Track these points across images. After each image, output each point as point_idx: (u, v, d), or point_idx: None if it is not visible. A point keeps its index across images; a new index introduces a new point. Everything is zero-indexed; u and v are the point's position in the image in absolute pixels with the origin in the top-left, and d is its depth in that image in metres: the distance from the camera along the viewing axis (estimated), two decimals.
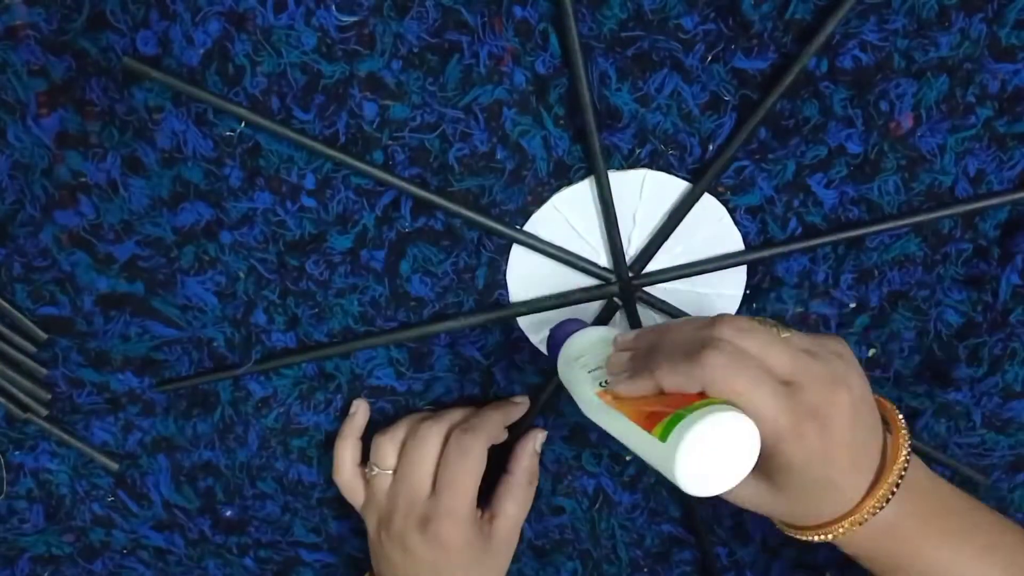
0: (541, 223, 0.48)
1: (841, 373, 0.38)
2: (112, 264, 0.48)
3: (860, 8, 0.43)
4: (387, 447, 0.49)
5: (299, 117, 0.45)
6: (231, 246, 0.48)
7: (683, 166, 0.47)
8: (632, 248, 0.49)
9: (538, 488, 0.55)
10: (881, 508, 0.39)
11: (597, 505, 0.56)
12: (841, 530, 0.40)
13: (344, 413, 0.52)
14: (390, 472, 0.49)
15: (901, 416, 0.42)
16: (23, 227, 0.47)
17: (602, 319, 0.50)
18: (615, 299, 0.50)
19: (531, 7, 0.43)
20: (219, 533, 0.56)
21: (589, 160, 0.46)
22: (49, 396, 0.51)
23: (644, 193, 0.48)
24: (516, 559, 0.58)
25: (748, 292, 0.50)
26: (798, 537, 0.42)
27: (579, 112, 0.45)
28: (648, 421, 0.35)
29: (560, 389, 0.52)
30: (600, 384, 0.40)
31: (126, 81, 0.44)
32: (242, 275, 0.49)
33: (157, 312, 0.49)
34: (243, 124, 0.45)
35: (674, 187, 0.48)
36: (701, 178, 0.47)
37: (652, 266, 0.49)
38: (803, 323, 0.51)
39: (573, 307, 0.50)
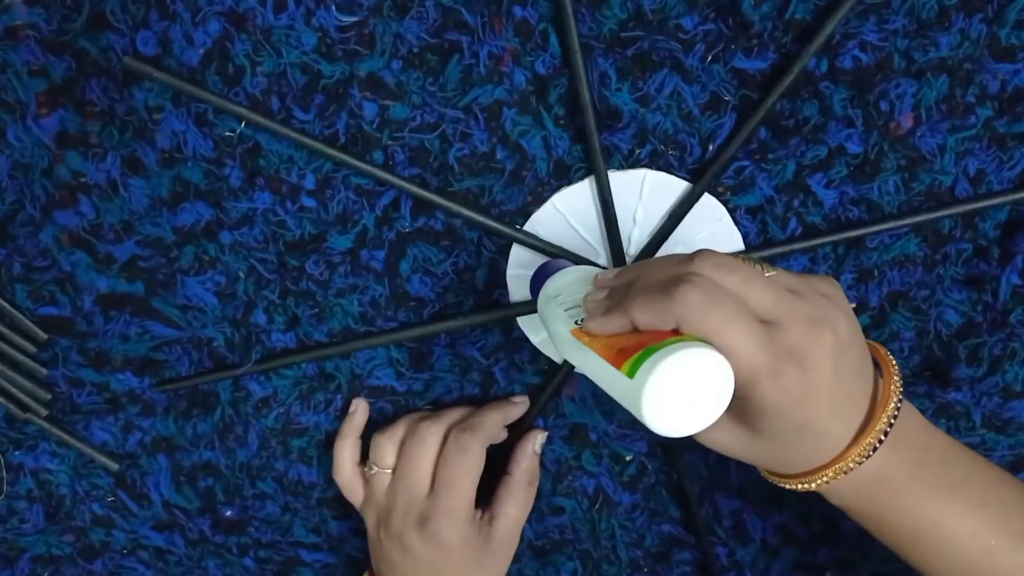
0: (541, 223, 0.48)
1: (826, 314, 0.35)
2: (112, 264, 0.48)
3: (860, 8, 0.43)
4: (386, 446, 0.49)
5: (299, 117, 0.45)
6: (231, 246, 0.48)
7: (683, 166, 0.47)
8: (632, 248, 0.49)
9: (538, 488, 0.55)
10: (867, 457, 0.37)
11: (597, 505, 0.56)
12: (824, 479, 0.38)
13: (344, 413, 0.52)
14: (389, 471, 0.49)
15: (895, 362, 0.40)
16: (23, 227, 0.47)
17: None
18: None
19: (531, 7, 0.43)
20: (219, 533, 0.56)
21: (589, 160, 0.46)
22: (49, 396, 0.51)
23: (644, 193, 0.48)
24: (516, 559, 0.58)
25: None
26: (782, 486, 0.40)
27: (579, 112, 0.45)
28: (618, 358, 0.34)
29: (560, 389, 0.52)
30: (576, 322, 0.38)
31: (126, 81, 0.44)
32: (242, 275, 0.49)
33: (157, 312, 0.49)
34: (243, 124, 0.45)
35: (674, 187, 0.48)
36: (701, 178, 0.47)
37: None
38: None
39: None
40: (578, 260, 0.49)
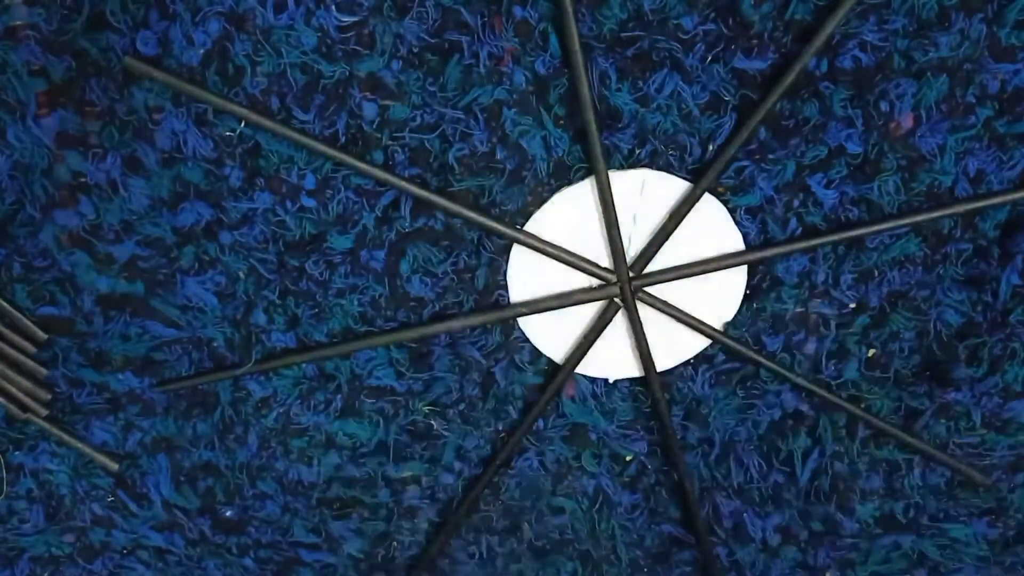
0: (541, 223, 0.48)
1: None
2: (112, 264, 0.48)
3: (860, 8, 0.43)
4: None
5: (299, 117, 0.45)
6: (231, 246, 0.48)
7: (683, 166, 0.47)
8: (632, 248, 0.49)
9: (538, 488, 0.55)
10: None
11: (597, 505, 0.56)
12: None
13: (344, 413, 0.52)
14: None
15: None
16: (23, 227, 0.47)
17: (603, 319, 0.50)
18: (615, 299, 0.50)
19: (531, 7, 0.43)
20: (219, 533, 0.56)
21: (589, 160, 0.46)
22: (49, 396, 0.51)
23: (644, 193, 0.48)
24: (516, 559, 0.58)
25: (748, 292, 0.50)
26: None
27: (579, 112, 0.44)
28: None
29: (560, 389, 0.52)
30: None
31: (126, 81, 0.44)
32: (242, 275, 0.49)
33: (157, 312, 0.49)
34: (243, 124, 0.45)
35: (674, 187, 0.48)
36: (701, 178, 0.47)
37: (652, 266, 0.49)
38: (803, 323, 0.51)
39: (573, 307, 0.50)
40: (578, 260, 0.49)
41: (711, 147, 0.46)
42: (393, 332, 0.50)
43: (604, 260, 0.49)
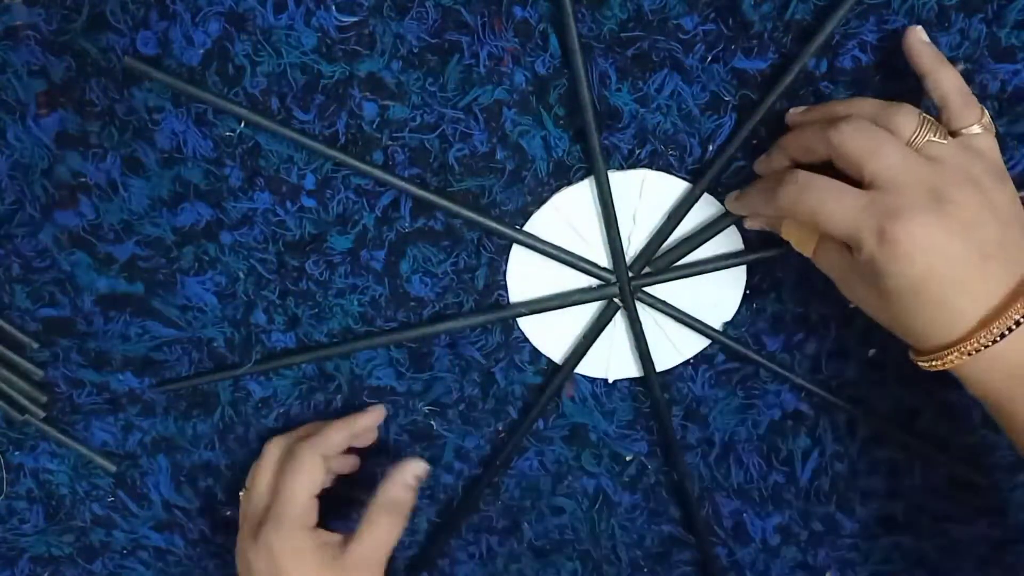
0: (541, 223, 0.48)
1: (979, 178, 0.38)
2: (112, 264, 0.48)
3: (860, 8, 0.43)
4: (252, 468, 0.49)
5: (299, 117, 0.45)
6: (231, 246, 0.48)
7: (683, 166, 0.47)
8: (632, 248, 0.49)
9: (538, 488, 0.55)
10: (994, 342, 0.37)
11: (597, 505, 0.56)
12: (952, 357, 0.38)
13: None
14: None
15: None
16: (23, 227, 0.47)
17: (602, 319, 0.50)
18: (615, 299, 0.50)
19: (531, 7, 0.43)
20: (219, 533, 0.56)
21: (589, 160, 0.46)
22: (46, 398, 0.51)
23: (644, 193, 0.48)
24: (516, 559, 0.58)
25: (748, 292, 0.50)
26: (919, 364, 0.41)
27: (579, 112, 0.44)
28: None
29: (560, 389, 0.52)
30: None
31: (126, 81, 0.44)
32: (242, 275, 0.49)
33: (157, 312, 0.49)
34: (243, 124, 0.45)
35: (674, 187, 0.48)
36: (701, 178, 0.47)
37: (652, 266, 0.49)
38: (803, 323, 0.51)
39: (573, 307, 0.50)
40: (578, 260, 0.49)
41: (711, 147, 0.46)
42: (393, 332, 0.50)
43: (604, 260, 0.49)
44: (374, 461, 0.54)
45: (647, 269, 0.49)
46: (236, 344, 0.50)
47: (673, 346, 0.52)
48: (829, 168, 0.40)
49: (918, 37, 0.42)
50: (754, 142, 0.46)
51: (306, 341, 0.51)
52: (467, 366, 0.52)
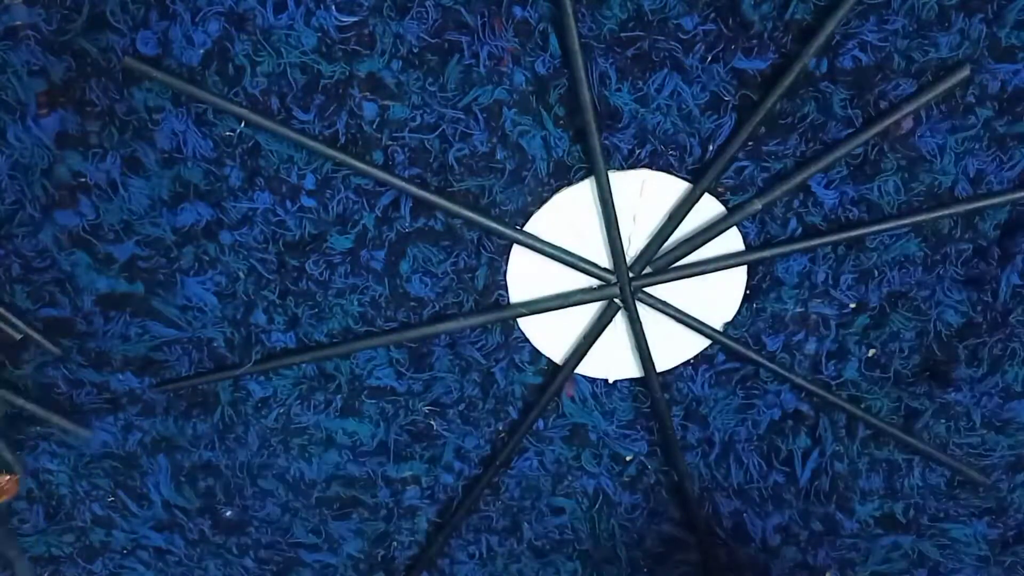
0: (541, 223, 0.48)
1: None
2: (112, 264, 0.48)
3: (860, 8, 0.43)
4: None
5: (299, 117, 0.45)
6: (231, 246, 0.48)
7: (683, 166, 0.47)
8: (632, 248, 0.49)
9: (538, 488, 0.55)
10: None
11: (597, 505, 0.56)
12: None
13: (344, 413, 0.52)
14: None
15: None
16: (23, 227, 0.47)
17: (603, 319, 0.50)
18: (615, 300, 0.50)
19: (531, 7, 0.43)
20: (219, 533, 0.56)
21: (589, 160, 0.46)
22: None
23: (644, 193, 0.48)
24: (516, 559, 0.58)
25: (748, 292, 0.50)
26: None
27: (579, 112, 0.44)
28: None
29: (560, 389, 0.52)
30: None
31: (126, 81, 0.44)
32: (242, 275, 0.49)
33: (157, 312, 0.49)
34: (243, 124, 0.45)
35: (674, 187, 0.48)
36: (701, 178, 0.47)
37: (652, 266, 0.49)
38: (803, 323, 0.51)
39: (573, 307, 0.50)
40: (578, 260, 0.49)
41: (711, 147, 0.46)
42: (393, 332, 0.50)
43: (604, 260, 0.49)
44: (375, 460, 0.54)
45: (647, 269, 0.49)
46: (236, 344, 0.50)
47: (673, 346, 0.52)
48: None
49: None
50: (751, 142, 0.46)
51: (306, 341, 0.51)
52: (467, 366, 0.52)
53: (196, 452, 0.53)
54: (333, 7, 0.43)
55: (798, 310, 0.51)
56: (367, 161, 0.46)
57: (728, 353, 0.52)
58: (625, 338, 0.51)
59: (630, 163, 0.47)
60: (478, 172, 0.47)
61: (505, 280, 0.50)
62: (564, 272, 0.49)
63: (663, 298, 0.50)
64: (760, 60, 0.44)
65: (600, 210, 0.47)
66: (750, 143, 0.46)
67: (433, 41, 0.44)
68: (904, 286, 0.50)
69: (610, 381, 0.53)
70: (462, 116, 0.45)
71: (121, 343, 0.50)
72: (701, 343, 0.52)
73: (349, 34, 0.43)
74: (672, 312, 0.50)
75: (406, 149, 0.46)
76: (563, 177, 0.47)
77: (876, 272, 0.50)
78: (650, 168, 0.47)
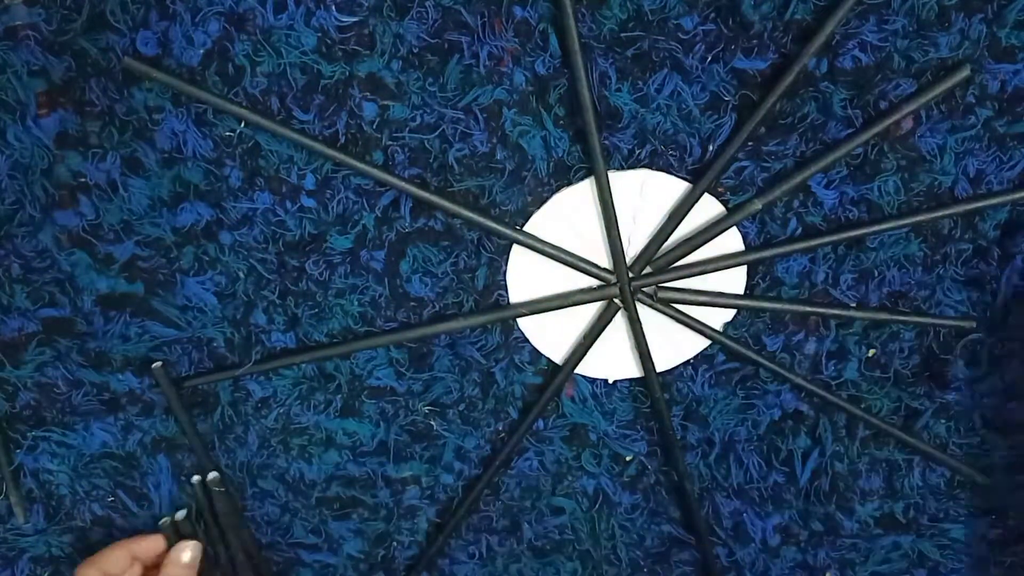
0: (541, 223, 0.48)
1: None
2: (112, 264, 0.48)
3: (860, 8, 0.43)
4: None
5: (299, 117, 0.45)
6: (231, 246, 0.48)
7: (683, 166, 0.47)
8: (632, 248, 0.49)
9: (538, 488, 0.55)
10: None
11: (597, 505, 0.56)
12: None
13: (344, 413, 0.52)
14: None
15: None
16: (23, 227, 0.47)
17: (602, 319, 0.50)
18: (615, 300, 0.50)
19: (531, 7, 0.43)
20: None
21: (589, 160, 0.46)
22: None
23: (644, 193, 0.48)
24: (516, 559, 0.58)
25: (748, 292, 0.50)
26: None
27: (579, 112, 0.45)
28: None
29: (560, 389, 0.52)
30: None
31: (126, 81, 0.44)
32: (242, 275, 0.49)
33: (157, 312, 0.49)
34: (243, 124, 0.45)
35: (674, 187, 0.48)
36: (701, 178, 0.47)
37: (652, 266, 0.49)
38: (803, 323, 0.51)
39: (573, 307, 0.50)
40: (578, 260, 0.49)
41: (711, 147, 0.46)
42: (393, 332, 0.50)
43: (604, 260, 0.49)
44: (375, 460, 0.54)
45: (647, 269, 0.49)
46: (236, 344, 0.50)
47: (673, 346, 0.52)
48: None
49: None
50: (751, 142, 0.46)
51: (306, 341, 0.51)
52: (467, 366, 0.52)
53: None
54: (333, 7, 0.43)
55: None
56: (367, 161, 0.46)
57: (728, 353, 0.52)
58: (625, 338, 0.51)
59: (630, 163, 0.47)
60: (478, 172, 0.47)
61: (505, 280, 0.50)
62: (564, 272, 0.49)
63: (663, 298, 0.50)
64: (760, 60, 0.44)
65: (600, 210, 0.47)
66: (750, 143, 0.46)
67: (433, 41, 0.44)
68: (904, 286, 0.50)
69: (610, 381, 0.53)
70: (462, 116, 0.45)
71: (121, 343, 0.50)
72: (701, 343, 0.52)
73: (349, 34, 0.43)
74: (672, 312, 0.50)
75: (406, 149, 0.46)
76: (563, 177, 0.47)
77: (876, 272, 0.50)
78: (650, 168, 0.47)
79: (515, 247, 0.49)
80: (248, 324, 0.50)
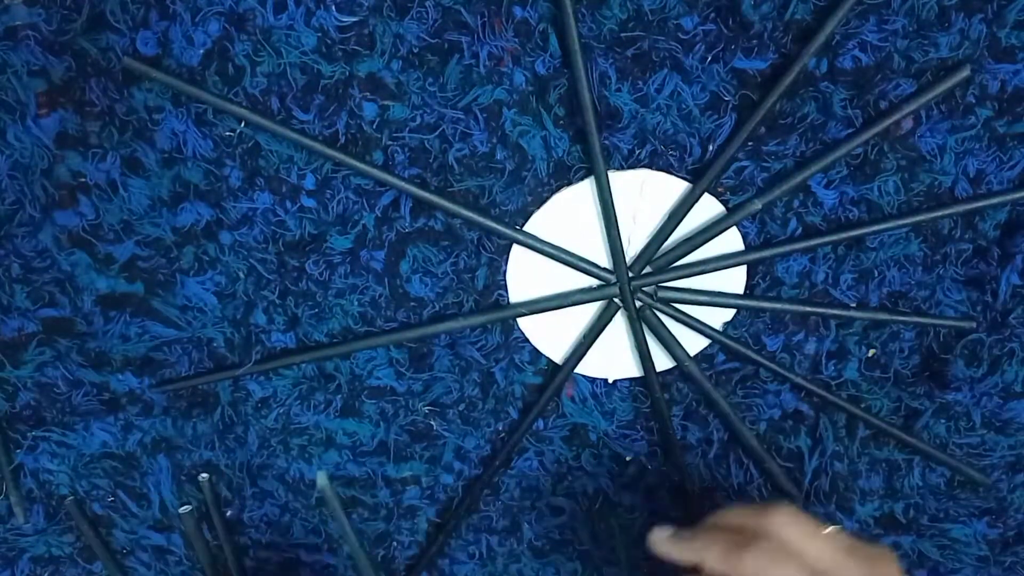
0: (541, 223, 0.48)
1: (876, 573, 0.38)
2: (112, 264, 0.48)
3: (860, 8, 0.43)
4: None
5: (299, 117, 0.45)
6: (231, 246, 0.48)
7: (683, 166, 0.47)
8: (632, 248, 0.49)
9: (538, 488, 0.55)
10: None
11: (597, 505, 0.56)
12: None
13: (344, 413, 0.52)
14: None
15: None
16: (23, 227, 0.47)
17: (602, 319, 0.50)
18: (615, 299, 0.50)
19: (531, 7, 0.43)
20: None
21: (589, 160, 0.46)
22: None
23: (644, 193, 0.48)
24: (516, 559, 0.58)
25: (748, 292, 0.50)
26: None
27: (579, 112, 0.45)
28: None
29: (560, 389, 0.52)
30: None
31: (126, 81, 0.44)
32: (242, 275, 0.49)
33: (157, 312, 0.49)
34: (243, 124, 0.45)
35: (674, 187, 0.48)
36: (701, 178, 0.47)
37: (652, 266, 0.49)
38: (803, 323, 0.51)
39: (573, 307, 0.50)
40: (578, 260, 0.49)
41: (711, 147, 0.46)
42: (393, 332, 0.50)
43: (604, 260, 0.49)
44: (375, 460, 0.54)
45: (647, 269, 0.49)
46: (236, 344, 0.50)
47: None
48: None
49: (660, 538, 0.42)
50: (751, 142, 0.46)
51: (306, 341, 0.51)
52: (467, 366, 0.52)
53: (196, 452, 0.53)
54: (333, 7, 0.43)
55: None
56: (367, 161, 0.46)
57: (728, 353, 0.52)
58: (625, 338, 0.51)
59: (630, 163, 0.47)
60: (478, 172, 0.47)
61: (505, 280, 0.50)
62: (564, 272, 0.49)
63: (663, 298, 0.50)
64: (760, 60, 0.44)
65: (600, 210, 0.47)
66: (750, 143, 0.46)
67: (433, 41, 0.44)
68: (904, 286, 0.50)
69: (610, 381, 0.53)
70: (462, 116, 0.45)
71: (121, 343, 0.50)
72: (701, 343, 0.52)
73: (349, 34, 0.43)
74: (672, 312, 0.50)
75: (406, 149, 0.46)
76: (563, 177, 0.47)
77: (876, 272, 0.50)
78: (650, 168, 0.47)
79: (515, 247, 0.49)
80: (248, 324, 0.50)
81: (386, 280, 0.49)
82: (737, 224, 0.48)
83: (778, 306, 0.50)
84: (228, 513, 0.55)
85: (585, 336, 0.51)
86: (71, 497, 0.52)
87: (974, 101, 0.45)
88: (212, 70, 0.44)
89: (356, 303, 0.50)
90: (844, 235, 0.48)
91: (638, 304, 0.50)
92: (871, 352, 0.52)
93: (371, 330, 0.50)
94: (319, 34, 0.43)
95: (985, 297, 0.50)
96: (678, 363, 0.52)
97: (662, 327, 0.50)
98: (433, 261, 0.49)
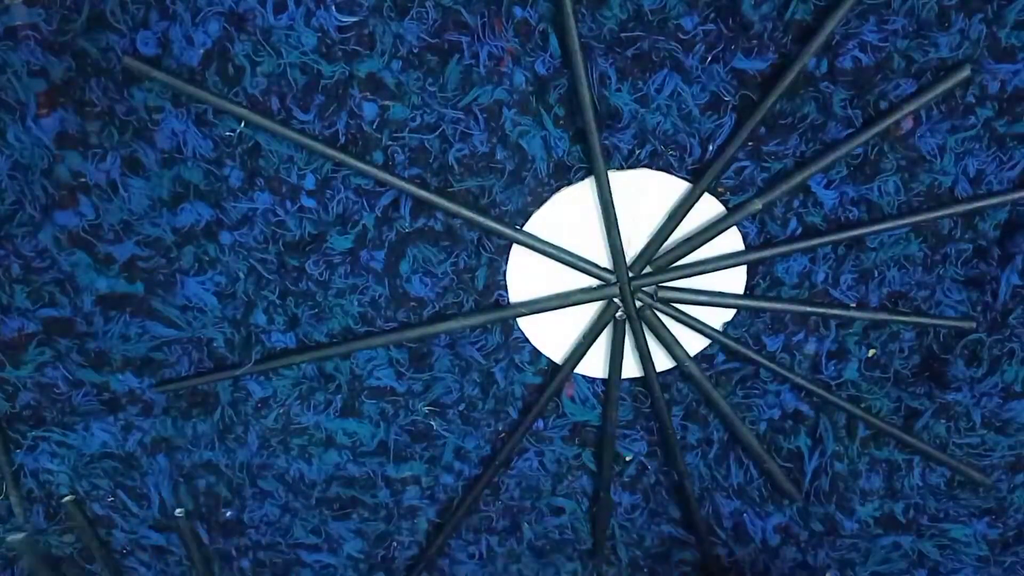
0: (541, 223, 0.48)
1: None
2: (112, 264, 0.48)
3: (860, 8, 0.43)
4: None
5: (299, 117, 0.45)
6: (231, 246, 0.48)
7: (683, 166, 0.47)
8: (632, 248, 0.49)
9: (538, 488, 0.55)
10: None
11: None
12: None
13: (344, 413, 0.52)
14: None
15: None
16: (23, 227, 0.47)
17: (602, 319, 0.50)
18: (615, 299, 0.50)
19: (531, 7, 0.43)
20: (219, 533, 0.56)
21: (589, 160, 0.46)
22: None
23: (644, 193, 0.48)
24: (516, 559, 0.58)
25: (748, 292, 0.50)
26: None
27: (579, 112, 0.45)
28: None
29: (560, 389, 0.52)
30: None
31: (126, 81, 0.44)
32: (242, 275, 0.49)
33: (157, 312, 0.49)
34: (243, 124, 0.45)
35: (674, 187, 0.48)
36: (701, 178, 0.47)
37: (652, 266, 0.49)
38: (803, 323, 0.51)
39: (573, 307, 0.50)
40: (578, 260, 0.49)
41: (711, 147, 0.46)
42: (393, 332, 0.50)
43: (604, 260, 0.49)
44: (375, 460, 0.54)
45: (647, 269, 0.49)
46: (236, 344, 0.50)
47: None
48: None
49: None
50: (751, 142, 0.46)
51: (306, 341, 0.51)
52: (467, 366, 0.52)
53: (196, 452, 0.53)
54: (333, 7, 0.43)
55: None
56: (367, 161, 0.46)
57: (728, 353, 0.52)
58: (625, 338, 0.51)
59: (630, 163, 0.47)
60: (478, 172, 0.47)
61: (505, 280, 0.50)
62: (564, 272, 0.49)
63: (663, 298, 0.50)
64: (760, 60, 0.44)
65: (600, 210, 0.47)
66: (750, 143, 0.46)
67: (433, 41, 0.44)
68: (904, 286, 0.50)
69: None
70: (462, 116, 0.45)
71: (121, 343, 0.50)
72: (701, 343, 0.52)
73: (349, 34, 0.43)
74: (672, 312, 0.50)
75: (406, 149, 0.46)
76: (563, 177, 0.47)
77: (876, 272, 0.50)
78: (650, 168, 0.47)
79: (515, 247, 0.49)
80: (248, 324, 0.50)
81: (386, 280, 0.49)
82: (737, 224, 0.48)
83: (778, 306, 0.50)
84: (228, 513, 0.55)
85: (585, 336, 0.51)
86: (70, 496, 0.52)
87: (974, 101, 0.45)
88: (212, 70, 0.44)
89: (356, 303, 0.50)
90: (844, 235, 0.48)
91: (638, 304, 0.50)
92: (871, 352, 0.52)
93: (371, 330, 0.50)
94: (319, 34, 0.43)
95: (985, 297, 0.50)
96: (678, 363, 0.51)
97: (662, 327, 0.50)
98: (433, 261, 0.49)
